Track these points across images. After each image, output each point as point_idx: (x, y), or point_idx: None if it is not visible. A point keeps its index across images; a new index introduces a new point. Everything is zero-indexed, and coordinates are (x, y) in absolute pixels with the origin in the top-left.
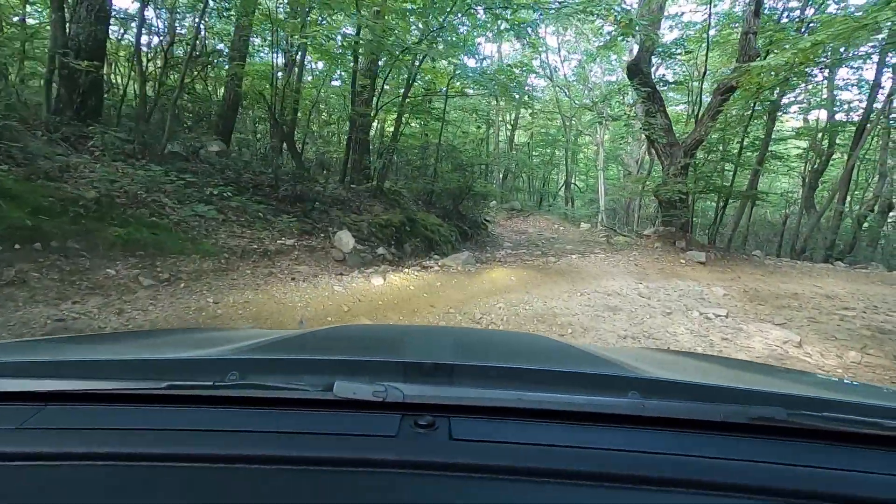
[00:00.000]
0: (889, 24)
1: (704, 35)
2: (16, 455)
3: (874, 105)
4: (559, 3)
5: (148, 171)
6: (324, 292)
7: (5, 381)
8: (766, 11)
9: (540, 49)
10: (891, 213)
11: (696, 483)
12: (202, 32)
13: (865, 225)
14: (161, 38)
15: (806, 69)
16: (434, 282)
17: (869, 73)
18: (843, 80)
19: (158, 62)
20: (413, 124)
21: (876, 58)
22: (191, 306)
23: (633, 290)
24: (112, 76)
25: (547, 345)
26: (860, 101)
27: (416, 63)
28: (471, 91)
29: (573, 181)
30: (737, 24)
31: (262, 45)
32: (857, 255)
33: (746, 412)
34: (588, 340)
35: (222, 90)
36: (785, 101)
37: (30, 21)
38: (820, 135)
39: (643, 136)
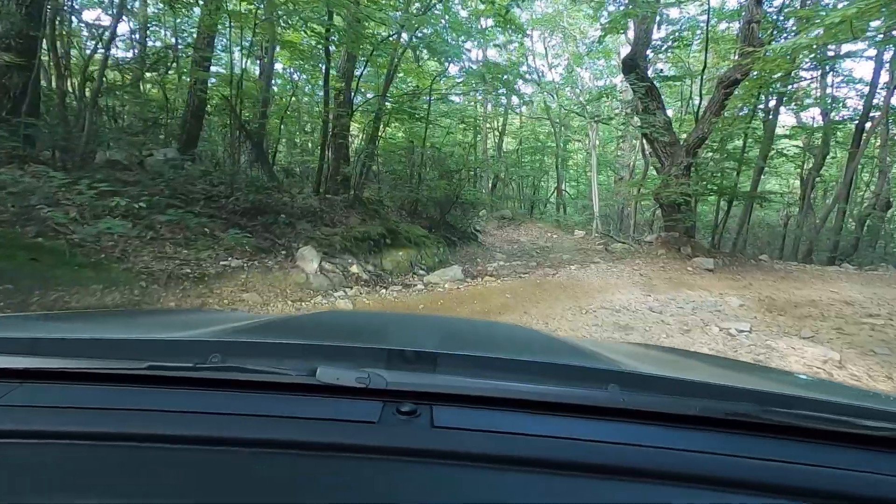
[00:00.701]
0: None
1: (700, 27)
2: None
3: (873, 101)
4: None
5: (51, 180)
6: None
7: None
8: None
9: (527, 52)
10: (889, 212)
11: (670, 475)
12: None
13: (868, 223)
14: (98, 35)
15: (801, 66)
16: (416, 304)
17: (861, 70)
18: (844, 74)
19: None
20: (398, 133)
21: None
22: None
23: (642, 305)
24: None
25: (530, 335)
26: (857, 97)
27: (398, 53)
28: (457, 99)
29: (564, 188)
30: (725, 21)
31: (229, 47)
32: (862, 256)
33: (722, 407)
34: None
35: (187, 95)
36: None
37: None
38: (814, 134)
39: (633, 140)
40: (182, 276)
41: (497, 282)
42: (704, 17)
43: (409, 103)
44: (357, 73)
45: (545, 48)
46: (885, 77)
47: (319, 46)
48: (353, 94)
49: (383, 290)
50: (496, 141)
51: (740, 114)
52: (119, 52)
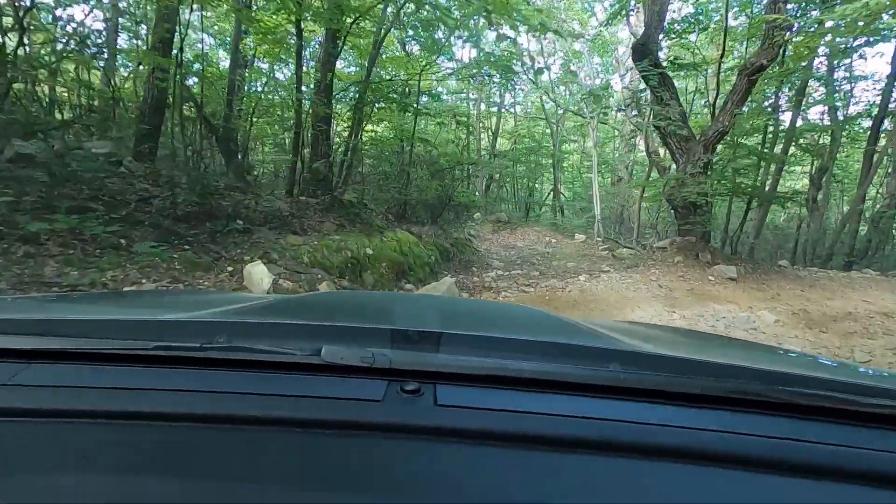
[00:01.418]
0: None
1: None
2: (2, 410)
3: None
4: None
5: None
6: None
7: None
8: None
9: (521, 51)
10: None
11: (673, 451)
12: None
13: (881, 225)
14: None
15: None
16: None
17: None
18: (851, 71)
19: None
20: (388, 134)
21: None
22: None
23: (668, 324)
24: None
25: (532, 315)
26: (874, 92)
27: (384, 26)
28: (448, 98)
29: (560, 189)
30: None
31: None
32: (877, 259)
33: (724, 385)
34: None
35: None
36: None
37: None
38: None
39: (633, 140)
40: None
41: (497, 297)
42: (714, 4)
43: (395, 89)
44: (339, 64)
45: (540, 45)
46: None
47: (290, 26)
48: (331, 77)
49: None
50: (490, 141)
51: (766, 104)
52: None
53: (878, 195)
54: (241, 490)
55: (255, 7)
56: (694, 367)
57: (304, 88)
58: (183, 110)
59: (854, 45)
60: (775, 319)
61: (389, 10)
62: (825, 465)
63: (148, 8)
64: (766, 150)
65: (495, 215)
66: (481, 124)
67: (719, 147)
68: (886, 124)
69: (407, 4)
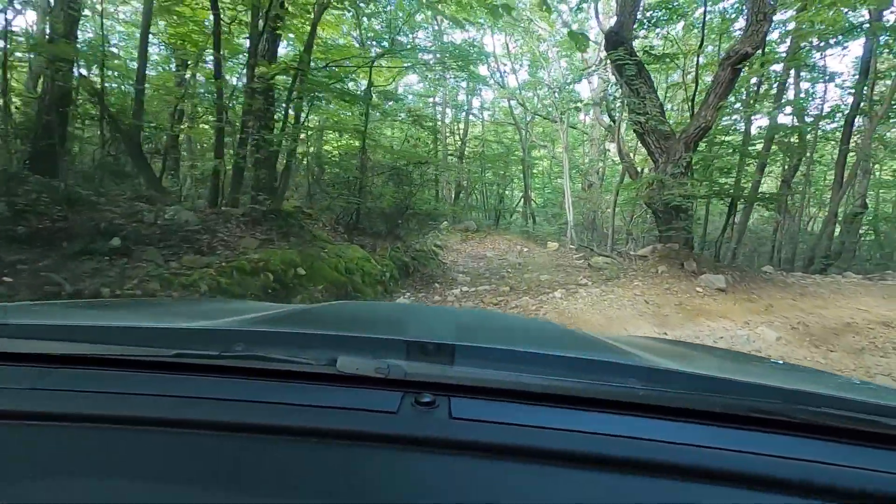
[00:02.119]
0: None
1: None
2: (30, 414)
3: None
4: None
5: None
6: None
7: (20, 342)
8: None
9: (488, 56)
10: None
11: (692, 471)
12: None
13: (865, 228)
14: None
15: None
16: None
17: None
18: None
19: None
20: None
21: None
22: None
23: None
24: None
25: (550, 330)
26: (844, 91)
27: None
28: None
29: (531, 196)
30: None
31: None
32: (855, 260)
33: (745, 404)
34: None
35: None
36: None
37: None
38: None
39: (604, 143)
40: None
41: None
42: None
43: (340, 79)
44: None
45: (506, 48)
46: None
47: None
48: (257, 65)
49: None
50: (457, 146)
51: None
52: None
53: (849, 196)
54: (255, 498)
55: None
56: (714, 384)
57: (239, 82)
58: (83, 107)
59: (819, 44)
60: (777, 337)
61: None
62: (849, 489)
63: None
64: (748, 148)
65: (464, 223)
66: (448, 129)
67: (701, 145)
68: (859, 122)
69: None
